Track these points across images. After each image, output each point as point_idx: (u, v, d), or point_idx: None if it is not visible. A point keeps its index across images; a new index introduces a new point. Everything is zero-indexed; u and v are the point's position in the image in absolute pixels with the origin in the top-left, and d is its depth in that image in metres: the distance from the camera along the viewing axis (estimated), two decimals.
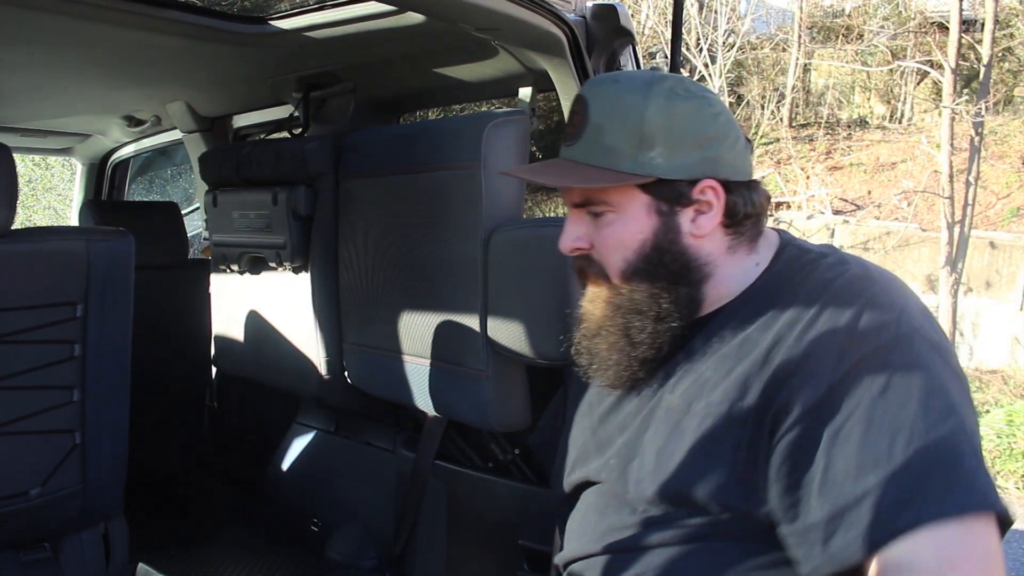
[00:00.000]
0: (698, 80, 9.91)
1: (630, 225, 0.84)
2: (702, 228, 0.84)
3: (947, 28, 8.36)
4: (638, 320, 0.84)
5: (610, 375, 0.87)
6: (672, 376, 0.86)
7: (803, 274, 0.83)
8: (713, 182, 0.83)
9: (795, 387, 0.74)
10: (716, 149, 0.83)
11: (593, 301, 0.89)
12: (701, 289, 0.85)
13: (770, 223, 0.91)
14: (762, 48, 11.07)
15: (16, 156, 1.46)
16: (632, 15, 1.45)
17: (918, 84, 10.62)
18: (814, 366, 0.74)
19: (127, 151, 2.89)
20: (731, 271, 0.86)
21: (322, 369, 1.76)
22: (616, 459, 0.89)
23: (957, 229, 7.70)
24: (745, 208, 0.85)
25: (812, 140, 10.44)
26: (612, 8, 1.37)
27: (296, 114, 1.96)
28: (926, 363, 0.73)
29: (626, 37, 1.40)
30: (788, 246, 0.88)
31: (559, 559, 0.94)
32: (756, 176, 0.91)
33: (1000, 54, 9.49)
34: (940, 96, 8.82)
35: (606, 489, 0.90)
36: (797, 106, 11.00)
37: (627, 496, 0.86)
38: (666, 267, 0.84)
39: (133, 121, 2.50)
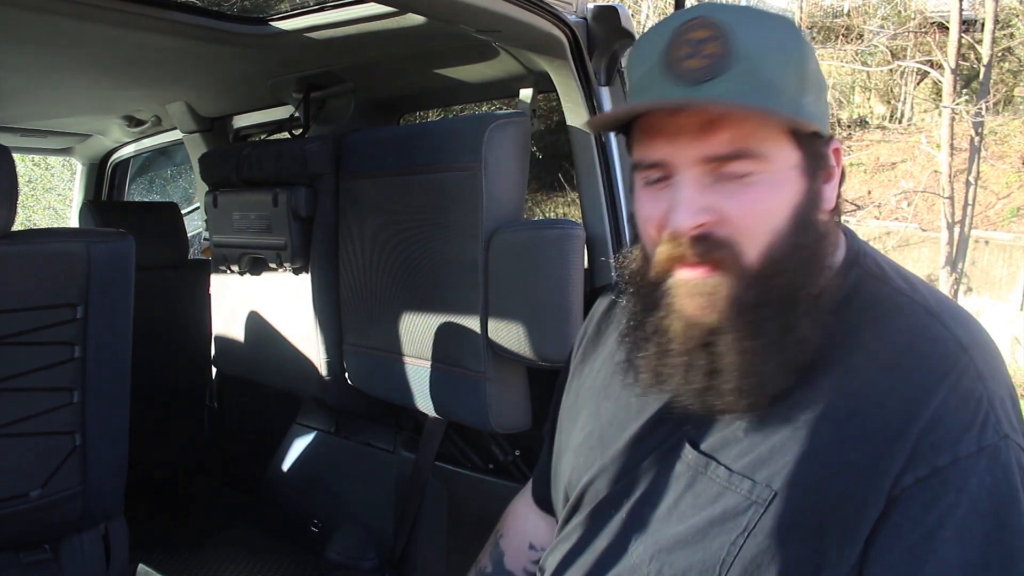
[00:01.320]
0: None
1: (783, 188, 0.64)
2: (830, 201, 0.68)
3: (947, 28, 8.36)
4: (790, 315, 0.64)
5: (744, 392, 0.65)
6: (691, 415, 0.70)
7: (877, 310, 0.67)
8: (838, 144, 0.69)
9: (839, 491, 0.61)
10: (826, 102, 0.69)
11: (708, 296, 0.65)
12: (832, 270, 0.68)
13: None
14: None
15: (16, 156, 1.46)
16: (632, 15, 1.45)
17: (918, 84, 10.62)
18: (864, 461, 0.61)
19: (127, 151, 2.89)
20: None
21: (322, 370, 1.76)
22: (625, 502, 0.74)
23: (957, 229, 7.71)
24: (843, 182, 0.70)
25: None
26: (613, 9, 1.37)
27: (296, 115, 1.96)
28: (1007, 493, 0.59)
29: (627, 38, 1.39)
30: (857, 255, 0.71)
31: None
32: None
33: (1000, 54, 9.50)
34: (940, 96, 8.82)
35: (608, 522, 0.76)
36: None
37: (631, 553, 0.73)
38: (810, 248, 0.66)
39: (133, 121, 2.50)
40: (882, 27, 10.38)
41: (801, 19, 10.59)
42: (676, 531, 0.69)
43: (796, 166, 0.65)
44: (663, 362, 0.69)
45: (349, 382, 1.75)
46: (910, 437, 0.60)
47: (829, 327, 0.66)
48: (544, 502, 0.95)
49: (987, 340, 0.66)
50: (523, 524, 0.99)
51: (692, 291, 0.65)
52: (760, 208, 0.64)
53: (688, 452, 0.70)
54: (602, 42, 1.39)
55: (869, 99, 11.24)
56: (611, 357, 0.83)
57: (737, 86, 0.62)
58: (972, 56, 9.16)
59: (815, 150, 0.66)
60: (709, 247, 0.64)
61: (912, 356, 0.63)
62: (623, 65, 1.43)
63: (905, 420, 0.61)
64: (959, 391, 0.61)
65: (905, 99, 10.67)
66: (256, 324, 1.95)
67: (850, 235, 0.74)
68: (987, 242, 8.04)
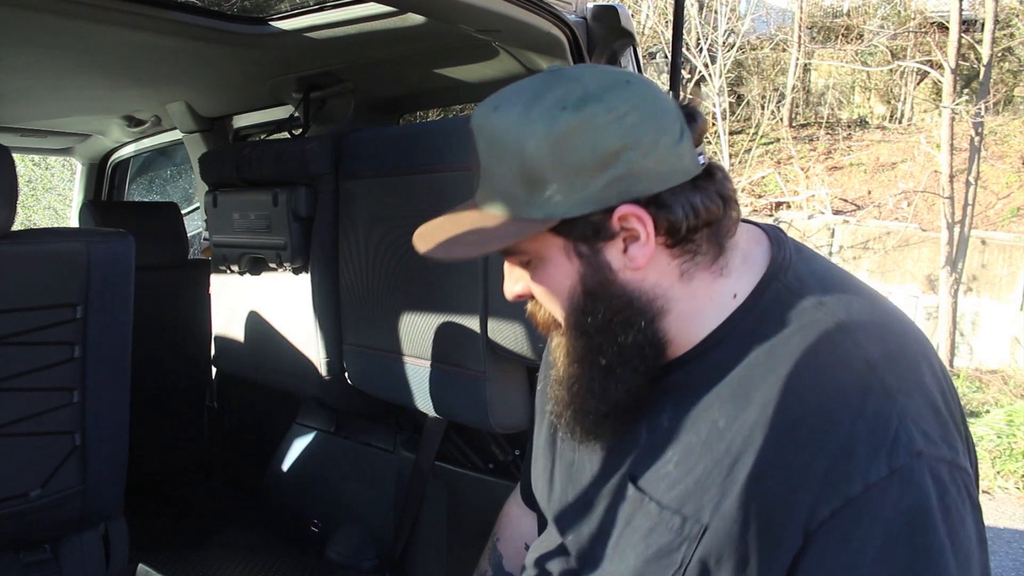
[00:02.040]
0: (698, 80, 9.93)
1: (554, 272, 0.70)
2: (636, 260, 0.67)
3: (947, 28, 8.36)
4: (590, 371, 0.71)
5: (571, 426, 0.74)
6: (638, 447, 0.73)
7: (790, 328, 0.67)
8: (629, 207, 0.65)
9: (759, 523, 0.62)
10: (627, 164, 0.64)
11: (557, 347, 0.76)
12: (656, 330, 0.70)
13: (769, 222, 0.81)
14: (762, 48, 11.08)
15: (16, 156, 1.46)
16: (632, 15, 1.44)
17: (918, 84, 10.62)
18: (782, 491, 0.61)
19: (127, 151, 2.89)
20: (696, 304, 0.70)
21: (322, 370, 1.76)
22: (574, 533, 0.79)
23: (957, 229, 7.71)
24: (689, 220, 0.66)
25: (812, 140, 10.45)
26: (613, 9, 1.37)
27: (296, 114, 1.96)
28: (923, 515, 0.59)
29: (627, 38, 1.39)
30: (779, 270, 0.71)
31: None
32: (726, 169, 0.75)
33: (1000, 54, 9.49)
34: (940, 96, 8.82)
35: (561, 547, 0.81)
36: (797, 106, 11.00)
37: None
38: (604, 313, 0.69)
39: (133, 121, 2.50)
40: (882, 27, 10.37)
41: (801, 19, 10.59)
42: (617, 569, 0.71)
43: (562, 250, 0.69)
44: (549, 392, 0.79)
45: (349, 382, 1.75)
46: (820, 468, 0.60)
47: (753, 349, 0.67)
48: (531, 501, 0.96)
49: (904, 350, 0.65)
50: (517, 526, 1.01)
51: (552, 340, 0.78)
52: (544, 289, 0.72)
53: (627, 487, 0.72)
54: (602, 42, 1.39)
55: (869, 99, 11.24)
56: None
57: (485, 195, 0.70)
58: (972, 56, 9.16)
59: (582, 231, 0.67)
60: (537, 310, 0.77)
61: (820, 380, 0.63)
62: (622, 66, 1.43)
63: (815, 450, 0.60)
64: (866, 415, 0.60)
65: (905, 99, 10.66)
66: (256, 324, 1.95)
67: (778, 247, 0.73)
68: (987, 242, 8.04)
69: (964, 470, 0.62)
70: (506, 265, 0.76)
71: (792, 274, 0.70)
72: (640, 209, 0.66)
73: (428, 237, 0.73)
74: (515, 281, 0.75)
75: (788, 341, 0.66)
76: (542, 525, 0.89)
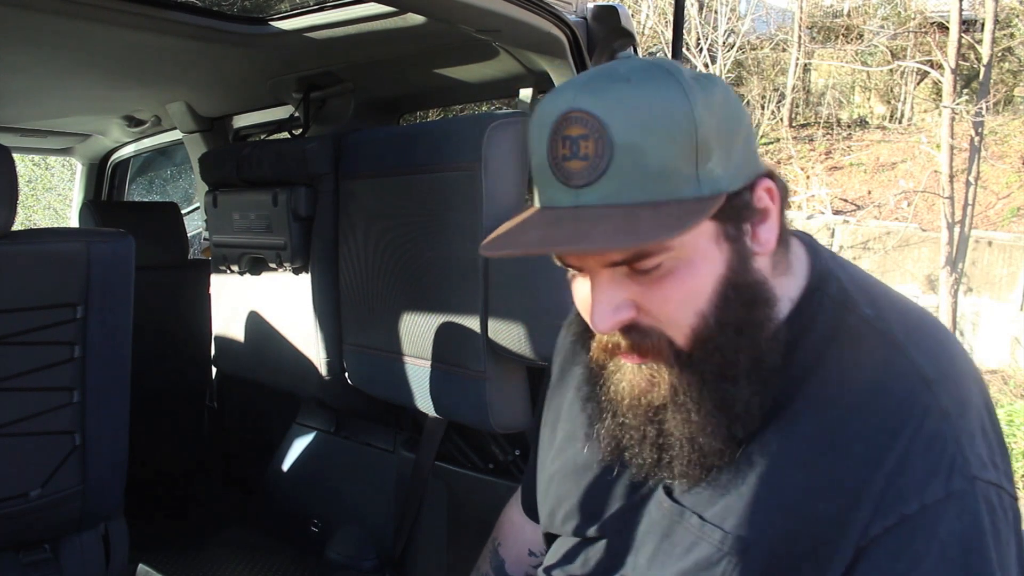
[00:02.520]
0: None
1: (701, 268, 0.60)
2: (769, 243, 0.63)
3: (947, 28, 8.36)
4: (730, 387, 0.62)
5: (691, 466, 0.64)
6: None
7: (840, 342, 0.64)
8: (767, 180, 0.63)
9: (809, 540, 0.60)
10: (748, 132, 0.62)
11: (648, 378, 0.65)
12: (774, 321, 0.64)
13: None
14: (762, 48, 11.08)
15: (16, 156, 1.46)
16: (632, 15, 1.45)
17: (918, 84, 10.62)
18: (834, 511, 0.59)
19: (127, 151, 2.89)
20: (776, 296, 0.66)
21: (322, 370, 1.76)
22: (606, 545, 0.75)
23: (957, 229, 7.71)
24: (786, 207, 0.65)
25: (812, 140, 10.45)
26: (613, 9, 1.37)
27: (296, 114, 1.96)
28: (977, 539, 0.58)
29: (627, 38, 1.39)
30: (821, 279, 0.67)
31: None
32: None
33: (1000, 54, 9.50)
34: (940, 96, 8.82)
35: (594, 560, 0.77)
36: (797, 106, 11.01)
37: None
38: (746, 307, 0.62)
39: (133, 121, 2.50)
40: (882, 27, 10.38)
41: (801, 19, 10.59)
42: None
43: (712, 237, 0.61)
44: (620, 433, 0.68)
45: (349, 382, 1.75)
46: (876, 484, 0.59)
47: (795, 362, 0.64)
48: (533, 512, 0.93)
49: (957, 368, 0.64)
50: (520, 531, 0.99)
51: (635, 374, 0.65)
52: (678, 295, 0.61)
53: (663, 499, 0.70)
54: (602, 42, 1.39)
55: (869, 99, 11.24)
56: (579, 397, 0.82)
57: (623, 183, 0.58)
58: (972, 56, 9.16)
59: (733, 208, 0.61)
60: (636, 337, 0.63)
61: (875, 396, 0.61)
62: None
63: (871, 467, 0.59)
64: (924, 434, 0.59)
65: (905, 99, 10.67)
66: (256, 324, 1.95)
67: (814, 252, 0.70)
68: (988, 242, 8.04)
69: (1009, 493, 0.62)
70: (600, 287, 0.62)
71: (835, 285, 0.67)
72: (772, 182, 0.62)
73: (530, 234, 0.63)
74: (620, 304, 0.61)
75: (840, 358, 0.63)
76: (549, 540, 0.87)
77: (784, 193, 0.65)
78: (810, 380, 0.64)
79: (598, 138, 0.58)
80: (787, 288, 0.67)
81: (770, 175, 0.64)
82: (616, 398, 0.67)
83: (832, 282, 0.67)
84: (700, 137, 0.58)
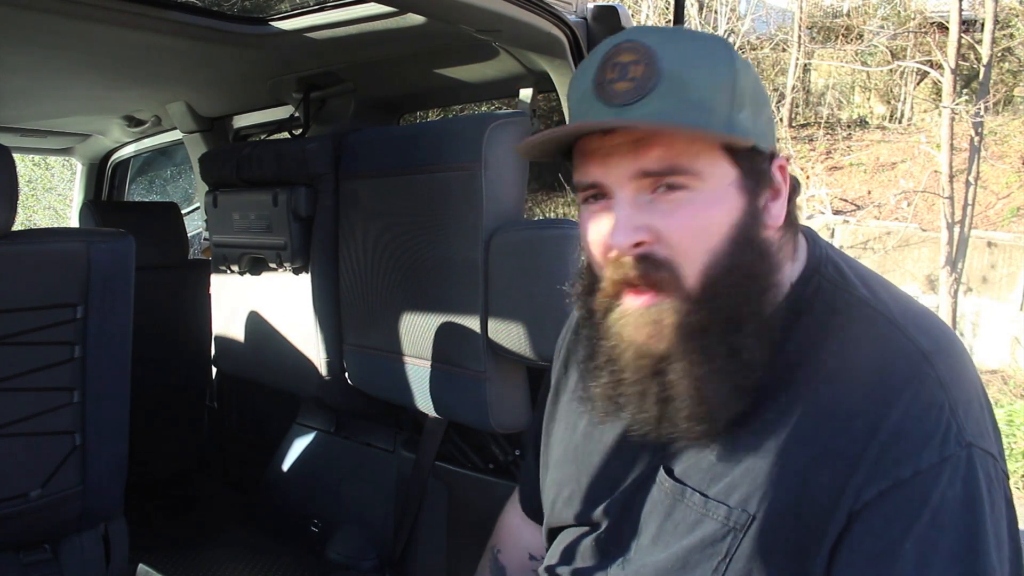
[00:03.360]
0: None
1: (719, 205, 0.63)
2: (778, 218, 0.66)
3: (947, 28, 8.36)
4: (735, 337, 0.63)
5: (697, 419, 0.65)
6: (675, 440, 0.69)
7: (838, 320, 0.66)
8: (784, 161, 0.67)
9: (810, 513, 0.61)
10: (769, 107, 0.67)
11: (654, 323, 0.64)
12: (778, 288, 0.67)
13: None
14: (762, 48, 11.07)
15: (16, 156, 1.46)
16: (632, 15, 1.45)
17: (918, 84, 10.62)
18: (833, 481, 0.61)
19: (127, 151, 2.89)
20: (777, 286, 0.68)
21: (322, 370, 1.76)
22: (608, 529, 0.75)
23: (957, 229, 7.71)
24: (796, 196, 0.69)
25: (812, 140, 10.45)
26: (613, 9, 1.37)
27: (296, 114, 1.96)
28: (970, 505, 0.59)
29: None
30: (819, 263, 0.70)
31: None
32: None
33: (1000, 54, 9.50)
34: (940, 96, 8.82)
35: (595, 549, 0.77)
36: (797, 106, 11.00)
37: None
38: (755, 258, 0.65)
39: (133, 121, 2.50)
40: (882, 27, 10.37)
41: (801, 19, 10.59)
42: (657, 560, 0.69)
43: (733, 183, 0.64)
44: (617, 391, 0.68)
45: (349, 382, 1.75)
46: (872, 451, 0.60)
47: (793, 340, 0.66)
48: (535, 513, 0.93)
49: (952, 345, 0.65)
50: (519, 537, 0.98)
51: (639, 320, 0.65)
52: (696, 225, 0.63)
53: (664, 479, 0.70)
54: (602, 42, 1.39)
55: (869, 99, 11.24)
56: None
57: (665, 105, 0.62)
58: (972, 56, 9.16)
59: (755, 167, 0.65)
60: (650, 267, 0.64)
61: (874, 370, 0.63)
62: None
63: (868, 435, 0.60)
64: (920, 401, 0.60)
65: (905, 99, 10.67)
66: (256, 324, 1.95)
67: (812, 242, 0.73)
68: (988, 242, 8.04)
69: (1002, 467, 0.63)
70: (621, 204, 0.64)
71: (832, 268, 0.70)
72: (786, 162, 0.66)
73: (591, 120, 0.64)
74: (635, 227, 0.63)
75: (837, 335, 0.65)
76: (550, 539, 0.87)
77: (795, 184, 0.69)
78: (809, 357, 0.65)
79: (647, 63, 0.62)
80: (789, 272, 0.69)
81: (786, 159, 0.68)
82: (616, 353, 0.67)
83: (829, 266, 0.70)
84: (741, 87, 0.63)
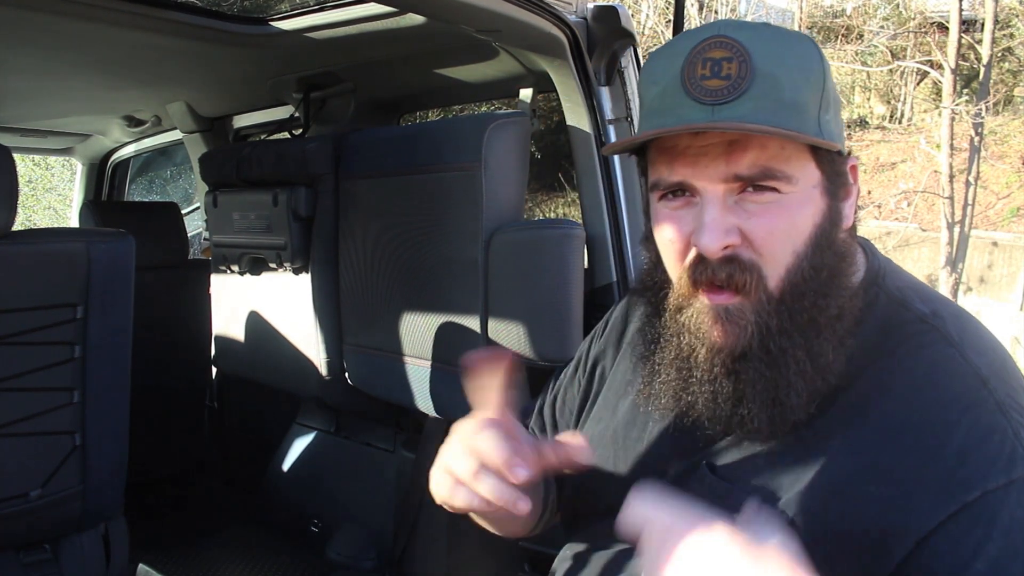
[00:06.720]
0: None
1: (805, 208, 0.63)
2: (847, 219, 0.67)
3: (947, 28, 8.37)
4: (814, 340, 0.63)
5: (771, 420, 0.64)
6: (711, 440, 0.69)
7: (896, 337, 0.65)
8: (855, 160, 0.68)
9: (865, 529, 0.60)
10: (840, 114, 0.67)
11: (734, 322, 0.64)
12: (854, 288, 0.67)
13: None
14: None
15: (16, 156, 1.46)
16: (632, 15, 1.45)
17: (918, 84, 10.63)
18: (882, 496, 0.60)
19: (127, 151, 2.89)
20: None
21: (322, 370, 1.76)
22: None
23: (957, 229, 7.71)
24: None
25: None
26: (613, 9, 1.37)
27: (296, 115, 1.96)
28: None
29: (627, 38, 1.40)
30: (877, 275, 0.70)
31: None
32: None
33: (1000, 54, 9.50)
34: (940, 96, 8.83)
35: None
36: None
37: None
38: (837, 259, 0.65)
39: (133, 121, 2.50)
40: (882, 27, 10.38)
41: (801, 19, 10.59)
42: None
43: (818, 185, 0.64)
44: (687, 389, 0.68)
45: (349, 382, 1.75)
46: (934, 476, 0.59)
47: (849, 351, 0.65)
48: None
49: (1008, 369, 0.65)
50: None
51: (717, 317, 0.64)
52: (783, 227, 0.63)
53: (706, 475, 0.69)
54: (602, 42, 1.39)
55: (869, 99, 11.24)
56: (632, 359, 0.81)
57: (759, 105, 0.61)
58: (972, 56, 9.16)
59: (835, 168, 0.65)
60: (735, 270, 0.63)
61: (931, 390, 0.62)
62: (623, 66, 1.43)
63: (927, 459, 0.60)
64: (981, 426, 0.60)
65: (905, 99, 10.67)
66: (256, 324, 1.95)
67: (870, 253, 0.72)
68: (988, 242, 8.04)
69: None
70: (710, 207, 0.63)
71: (890, 282, 0.69)
72: (857, 163, 0.67)
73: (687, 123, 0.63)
74: (726, 230, 0.62)
75: (893, 349, 0.65)
76: (567, 523, 0.86)
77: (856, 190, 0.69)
78: (865, 370, 0.64)
79: (741, 61, 0.61)
80: (854, 280, 0.68)
81: (857, 159, 0.68)
82: (688, 350, 0.67)
83: (888, 279, 0.70)
84: (827, 88, 0.64)
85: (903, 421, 0.61)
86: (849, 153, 0.67)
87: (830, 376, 0.63)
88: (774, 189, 0.62)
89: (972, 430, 0.60)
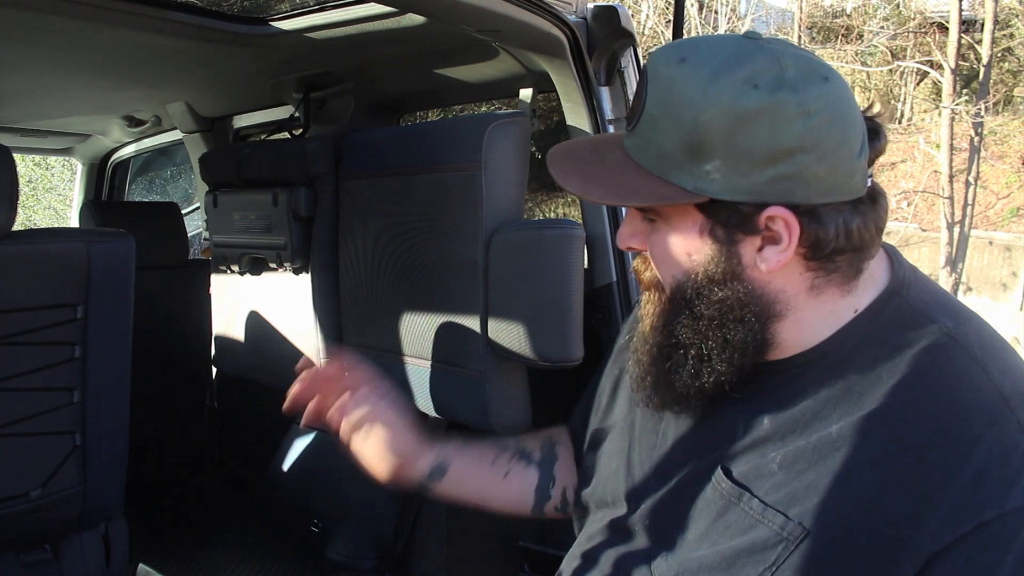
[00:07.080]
0: None
1: (679, 242, 0.68)
2: (768, 263, 0.65)
3: (947, 28, 8.37)
4: (680, 350, 0.70)
5: (649, 395, 0.74)
6: (732, 441, 0.71)
7: (919, 350, 0.65)
8: (781, 211, 0.63)
9: (871, 538, 0.61)
10: (797, 165, 0.61)
11: (648, 304, 0.75)
12: (767, 332, 0.68)
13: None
14: None
15: (16, 156, 1.46)
16: (632, 15, 1.45)
17: (918, 84, 10.63)
18: (899, 510, 0.60)
19: (127, 151, 2.89)
20: (815, 314, 0.68)
21: None
22: (651, 516, 0.76)
23: (957, 229, 7.72)
24: (837, 241, 0.64)
25: None
26: (613, 9, 1.37)
27: (296, 115, 1.96)
28: None
29: (627, 38, 1.39)
30: (901, 286, 0.69)
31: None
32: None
33: (1000, 54, 9.50)
34: (940, 96, 8.83)
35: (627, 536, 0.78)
36: None
37: (653, 570, 0.74)
38: (720, 305, 0.67)
39: (133, 121, 2.50)
40: (882, 27, 10.38)
41: (801, 19, 10.60)
42: (703, 555, 0.69)
43: (697, 226, 0.67)
44: (631, 349, 0.78)
45: None
46: (951, 493, 0.59)
47: (866, 362, 0.65)
48: (576, 438, 0.96)
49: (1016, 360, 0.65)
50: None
51: (644, 297, 0.77)
52: (659, 250, 0.70)
53: (721, 479, 0.70)
54: (602, 42, 1.39)
55: (869, 99, 11.25)
56: None
57: (639, 143, 0.67)
58: (972, 56, 9.16)
59: (728, 215, 0.65)
60: (642, 267, 0.75)
61: (953, 406, 0.62)
62: (623, 66, 1.43)
63: (946, 475, 0.60)
64: (1002, 445, 0.60)
65: (905, 99, 10.67)
66: (256, 324, 1.95)
67: (897, 264, 0.71)
68: (988, 242, 8.04)
69: None
70: (628, 214, 0.74)
71: (914, 293, 0.69)
72: (792, 216, 0.63)
73: (565, 165, 0.72)
74: (633, 233, 0.73)
75: (914, 361, 0.65)
76: (579, 518, 0.88)
77: (848, 235, 0.65)
78: (884, 380, 0.65)
79: (638, 94, 0.67)
80: (846, 302, 0.69)
81: (792, 211, 0.64)
82: (639, 334, 0.76)
83: (912, 291, 0.70)
84: (698, 138, 0.62)
85: (926, 437, 0.61)
86: (767, 204, 0.64)
87: (692, 385, 0.70)
88: (652, 219, 0.70)
89: (994, 448, 0.60)
